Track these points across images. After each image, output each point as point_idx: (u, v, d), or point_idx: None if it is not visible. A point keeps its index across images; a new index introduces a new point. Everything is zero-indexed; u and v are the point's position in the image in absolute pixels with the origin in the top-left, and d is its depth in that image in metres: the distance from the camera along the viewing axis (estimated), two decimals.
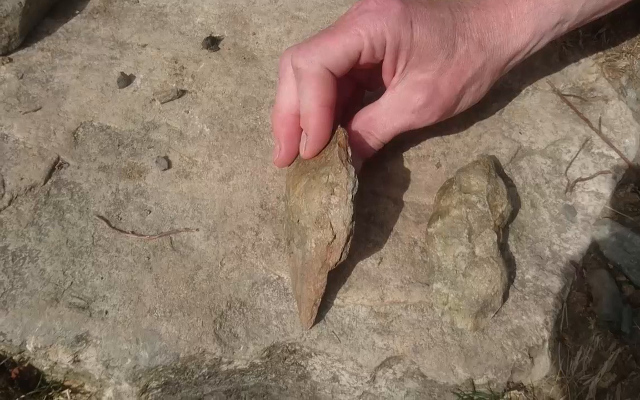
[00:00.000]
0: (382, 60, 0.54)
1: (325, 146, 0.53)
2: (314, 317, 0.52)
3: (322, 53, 0.51)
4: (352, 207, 0.49)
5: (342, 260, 0.50)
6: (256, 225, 0.59)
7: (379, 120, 0.57)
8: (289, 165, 0.57)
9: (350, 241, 0.50)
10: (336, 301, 0.55)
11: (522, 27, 0.58)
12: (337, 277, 0.55)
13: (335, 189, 0.49)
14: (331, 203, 0.49)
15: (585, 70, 0.72)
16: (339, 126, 0.54)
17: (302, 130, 0.55)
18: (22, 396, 0.54)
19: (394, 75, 0.56)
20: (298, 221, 0.51)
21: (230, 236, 0.58)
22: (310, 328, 0.53)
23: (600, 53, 0.73)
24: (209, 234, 0.58)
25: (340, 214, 0.49)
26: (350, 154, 0.51)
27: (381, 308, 0.55)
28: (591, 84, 0.70)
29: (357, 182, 0.50)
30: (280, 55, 0.55)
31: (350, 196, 0.49)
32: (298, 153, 0.56)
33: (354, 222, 0.50)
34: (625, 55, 0.72)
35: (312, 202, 0.50)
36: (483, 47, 0.57)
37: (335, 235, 0.49)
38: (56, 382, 0.56)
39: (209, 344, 0.52)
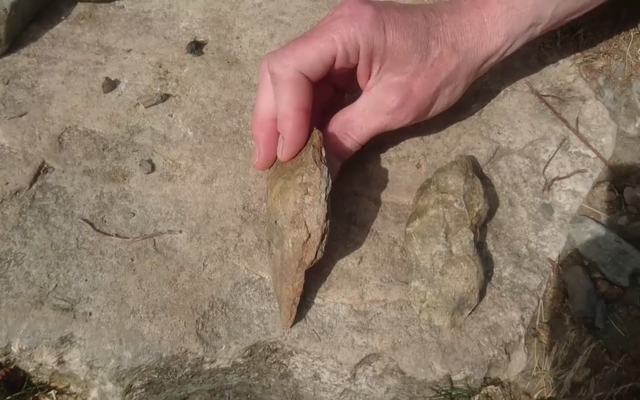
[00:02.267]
0: (357, 64, 0.56)
1: (302, 149, 0.55)
2: (293, 316, 0.53)
3: (296, 58, 0.52)
4: (325, 206, 0.50)
5: (317, 258, 0.51)
6: (238, 226, 0.60)
7: (355, 122, 0.58)
8: (269, 168, 0.58)
9: (325, 239, 0.51)
10: (316, 300, 0.56)
11: (495, 30, 0.59)
12: (317, 276, 0.57)
13: (309, 189, 0.51)
14: (305, 203, 0.51)
15: (563, 71, 0.73)
16: (314, 128, 0.55)
17: (277, 131, 0.56)
18: (9, 397, 0.55)
19: (369, 78, 0.57)
20: (275, 222, 0.52)
21: (213, 238, 0.59)
22: (291, 327, 0.54)
23: (578, 54, 0.74)
24: (192, 236, 0.59)
25: (314, 212, 0.50)
26: (324, 154, 0.53)
27: (361, 306, 0.56)
28: (569, 84, 0.72)
29: (330, 181, 0.51)
30: (261, 60, 0.57)
31: (323, 195, 0.50)
32: (277, 156, 0.57)
33: (329, 221, 0.51)
34: (603, 56, 0.74)
35: (287, 202, 0.51)
36: (457, 50, 0.58)
37: (310, 234, 0.50)
38: (42, 384, 0.57)
39: (191, 343, 0.53)
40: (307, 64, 0.53)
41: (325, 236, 0.51)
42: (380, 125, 0.59)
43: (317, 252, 0.51)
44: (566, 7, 0.60)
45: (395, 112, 0.58)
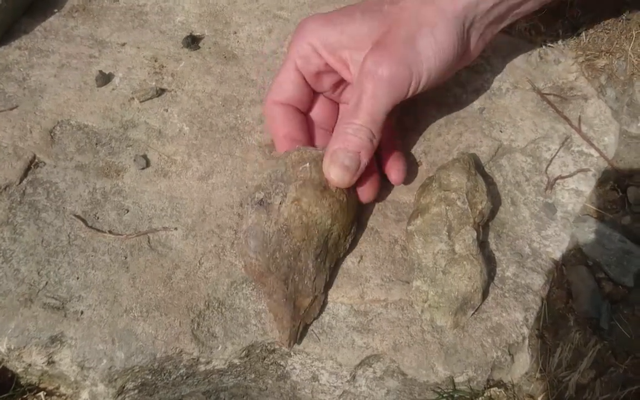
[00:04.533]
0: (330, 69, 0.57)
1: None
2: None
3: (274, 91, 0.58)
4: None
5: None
6: (235, 224, 0.58)
7: (361, 105, 0.53)
8: None
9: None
10: None
11: None
12: None
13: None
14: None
15: (565, 70, 0.72)
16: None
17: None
18: None
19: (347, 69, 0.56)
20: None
21: (209, 235, 0.58)
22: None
23: (580, 53, 0.73)
24: (187, 233, 0.58)
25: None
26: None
27: (361, 306, 0.54)
28: (571, 83, 0.71)
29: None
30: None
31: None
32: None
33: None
34: (605, 55, 0.73)
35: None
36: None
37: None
38: (31, 385, 0.56)
39: (186, 343, 0.52)
40: (284, 95, 0.58)
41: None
42: (382, 101, 0.52)
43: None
44: None
45: (386, 80, 0.51)
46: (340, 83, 0.59)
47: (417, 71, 0.53)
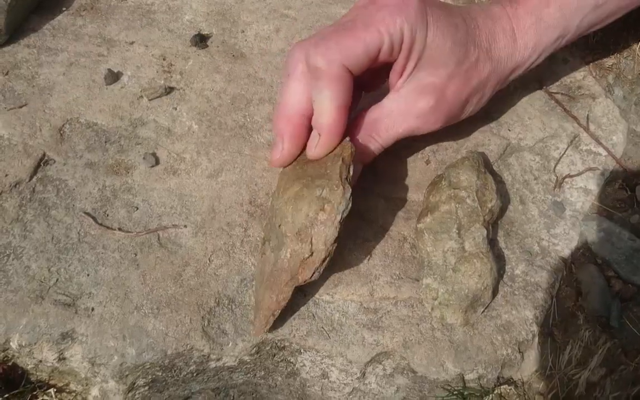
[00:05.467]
0: (395, 60, 0.53)
1: (329, 154, 0.52)
2: (269, 326, 0.51)
3: (342, 52, 0.49)
4: (337, 229, 0.48)
5: (312, 279, 0.49)
6: (245, 221, 0.58)
7: (381, 124, 0.56)
8: (289, 166, 0.55)
9: (326, 263, 0.48)
10: (325, 297, 0.55)
11: (524, 41, 0.58)
12: (326, 273, 0.55)
13: (325, 206, 0.48)
14: (318, 219, 0.48)
15: (573, 69, 0.72)
16: (347, 139, 0.52)
17: (309, 130, 0.53)
18: (6, 395, 0.53)
19: (400, 76, 0.54)
20: (279, 225, 0.50)
21: (219, 233, 0.58)
22: (262, 333, 0.52)
23: (588, 52, 0.74)
24: (197, 231, 0.58)
25: (324, 232, 0.47)
26: (351, 172, 0.50)
27: (371, 304, 0.54)
28: (579, 82, 0.71)
29: (350, 204, 0.48)
30: (290, 49, 0.53)
31: (339, 217, 0.47)
32: (300, 153, 0.54)
33: (336, 244, 0.48)
34: (612, 54, 0.73)
35: (299, 212, 0.48)
36: (490, 57, 0.56)
37: (312, 253, 0.48)
38: (41, 381, 0.55)
39: (197, 340, 0.52)
40: (353, 58, 0.49)
41: (327, 260, 0.48)
42: (409, 128, 0.56)
43: (314, 273, 0.48)
44: (590, 18, 0.59)
45: (425, 116, 0.55)
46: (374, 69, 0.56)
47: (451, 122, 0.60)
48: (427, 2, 0.52)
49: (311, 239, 0.48)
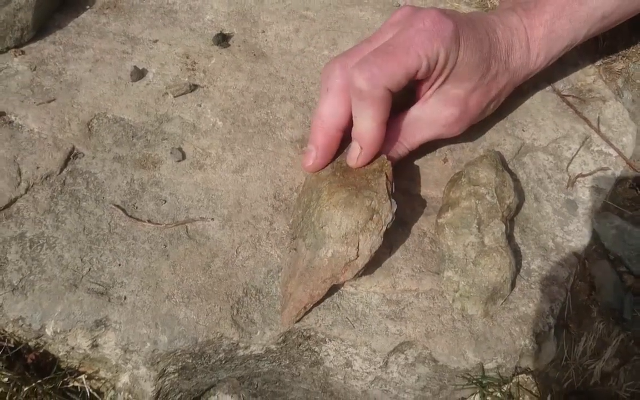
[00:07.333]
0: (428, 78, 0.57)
1: (368, 164, 0.56)
2: (298, 318, 0.54)
3: (386, 77, 0.52)
4: (382, 239, 0.52)
5: (350, 281, 0.53)
6: (270, 215, 0.60)
7: (409, 130, 0.60)
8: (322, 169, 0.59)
9: (364, 267, 0.53)
10: (349, 288, 0.56)
11: (537, 51, 0.62)
12: None
13: (374, 216, 0.52)
14: (366, 227, 0.52)
15: (584, 72, 0.74)
16: (383, 156, 0.57)
17: (339, 141, 0.58)
18: (38, 381, 0.55)
19: (429, 88, 0.58)
20: (322, 227, 0.53)
21: (245, 225, 0.59)
22: (290, 324, 0.54)
23: (598, 56, 0.76)
24: (224, 224, 0.59)
25: (370, 240, 0.52)
26: (394, 189, 0.55)
27: (393, 295, 0.56)
28: (589, 85, 0.73)
29: (394, 217, 0.53)
30: (329, 64, 0.57)
31: (385, 228, 0.52)
32: (331, 161, 0.59)
33: (376, 251, 0.53)
34: (621, 59, 0.75)
35: (349, 217, 0.52)
36: (507, 68, 0.60)
37: (357, 256, 0.52)
38: (71, 368, 0.57)
39: (226, 328, 0.54)
40: (395, 82, 0.52)
41: (366, 264, 0.53)
42: (434, 135, 0.61)
43: (355, 275, 0.53)
44: (598, 27, 0.63)
45: (450, 125, 0.60)
46: None
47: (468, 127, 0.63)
48: (459, 23, 0.55)
49: (358, 244, 0.52)
